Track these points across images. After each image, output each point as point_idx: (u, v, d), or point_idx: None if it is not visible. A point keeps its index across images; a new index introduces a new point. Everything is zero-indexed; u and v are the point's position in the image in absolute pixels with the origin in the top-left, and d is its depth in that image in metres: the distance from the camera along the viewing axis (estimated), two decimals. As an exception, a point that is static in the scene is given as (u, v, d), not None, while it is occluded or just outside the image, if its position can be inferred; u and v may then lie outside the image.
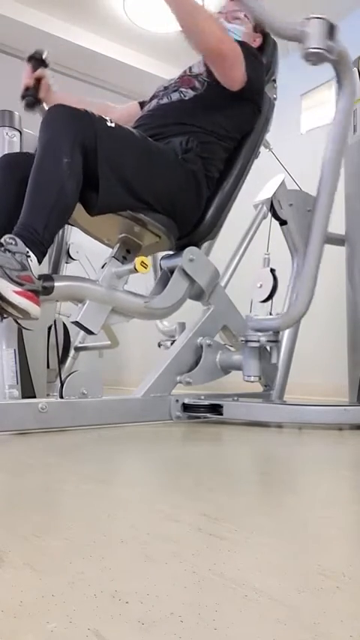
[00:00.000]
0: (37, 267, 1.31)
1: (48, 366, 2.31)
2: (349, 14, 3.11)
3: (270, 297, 1.95)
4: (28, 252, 1.28)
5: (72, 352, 3.12)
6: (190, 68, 1.83)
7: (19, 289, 1.24)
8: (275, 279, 1.96)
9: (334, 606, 0.37)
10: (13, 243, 1.26)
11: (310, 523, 0.58)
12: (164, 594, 0.39)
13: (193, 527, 0.55)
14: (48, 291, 1.39)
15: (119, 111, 1.94)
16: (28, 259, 1.27)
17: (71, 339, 3.08)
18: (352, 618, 0.35)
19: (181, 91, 1.76)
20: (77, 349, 3.14)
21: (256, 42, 1.88)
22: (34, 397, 2.02)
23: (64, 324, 2.88)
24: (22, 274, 1.25)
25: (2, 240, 1.26)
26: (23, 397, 1.91)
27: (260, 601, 0.38)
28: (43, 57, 1.81)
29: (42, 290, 1.35)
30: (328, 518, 0.60)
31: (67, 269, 2.98)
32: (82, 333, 3.12)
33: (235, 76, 1.68)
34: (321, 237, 1.77)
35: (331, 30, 1.52)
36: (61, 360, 2.74)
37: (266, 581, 0.41)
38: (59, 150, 1.37)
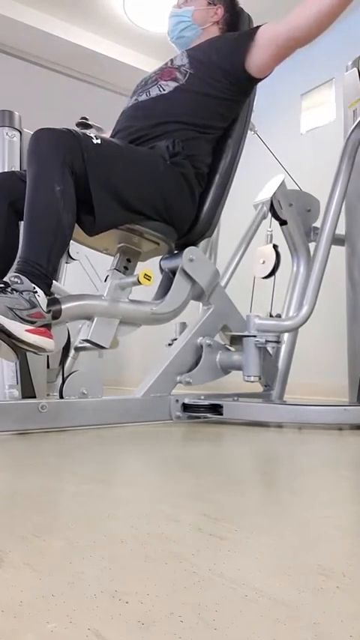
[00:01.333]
0: (45, 301, 1.31)
1: (48, 366, 2.31)
2: (349, 14, 3.11)
3: (272, 273, 1.95)
4: (34, 288, 1.27)
5: (72, 352, 3.11)
6: (171, 60, 1.80)
7: (31, 327, 1.24)
8: (278, 255, 1.95)
9: (334, 606, 0.37)
10: (19, 281, 1.26)
11: (310, 523, 0.58)
12: (164, 594, 0.39)
13: (193, 527, 0.55)
14: (56, 315, 1.40)
15: None
16: (36, 295, 1.27)
17: (71, 339, 3.08)
18: (352, 618, 0.35)
19: (160, 85, 1.72)
20: (77, 349, 3.13)
21: (217, 14, 1.84)
22: (34, 397, 2.02)
23: (64, 324, 2.88)
24: (32, 312, 1.25)
25: (7, 279, 1.25)
26: (23, 397, 1.91)
27: (260, 601, 0.38)
28: (89, 122, 1.93)
29: (51, 318, 1.35)
30: (328, 518, 0.60)
31: (68, 269, 2.98)
32: (81, 332, 3.13)
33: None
34: (329, 239, 1.77)
35: None
36: (61, 360, 2.73)
37: (266, 581, 0.41)
38: (50, 178, 1.35)
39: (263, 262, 1.86)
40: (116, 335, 1.58)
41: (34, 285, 1.27)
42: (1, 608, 0.36)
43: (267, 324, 1.75)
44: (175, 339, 1.83)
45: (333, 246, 2.12)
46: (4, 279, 1.26)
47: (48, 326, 1.31)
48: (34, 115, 2.13)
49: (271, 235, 1.98)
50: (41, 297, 1.28)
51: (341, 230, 2.13)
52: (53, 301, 1.40)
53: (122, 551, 0.48)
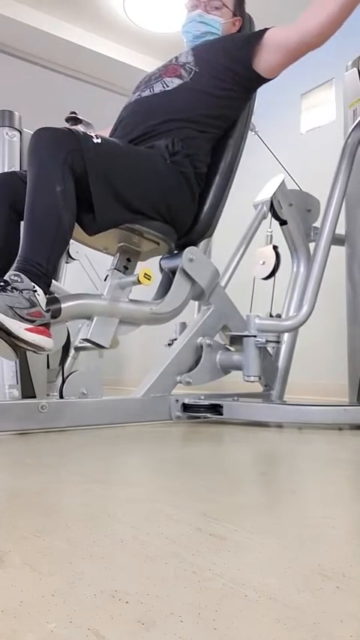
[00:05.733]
0: (44, 300, 1.31)
1: (48, 366, 2.31)
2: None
3: (272, 274, 1.95)
4: (34, 287, 1.28)
5: (72, 352, 3.11)
6: (176, 57, 1.80)
7: (30, 326, 1.25)
8: (278, 256, 1.96)
9: (334, 606, 0.37)
10: (19, 280, 1.26)
11: (310, 523, 0.58)
12: (164, 594, 0.39)
13: (193, 527, 0.55)
14: (55, 314, 1.40)
15: None
16: (35, 294, 1.28)
17: (71, 339, 3.08)
18: (352, 618, 0.35)
19: (164, 81, 1.72)
20: (77, 349, 3.13)
21: (235, 25, 1.87)
22: (34, 397, 2.02)
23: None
24: (31, 311, 1.25)
25: (7, 278, 1.26)
26: (23, 397, 1.91)
27: (260, 601, 0.38)
28: (78, 116, 1.96)
29: (50, 317, 1.35)
30: (328, 518, 0.60)
31: (68, 269, 2.98)
32: (81, 332, 3.13)
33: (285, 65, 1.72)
34: (329, 239, 1.77)
35: None
36: (61, 360, 2.73)
37: (266, 581, 0.41)
38: (50, 178, 1.35)
39: (263, 263, 1.86)
40: (116, 334, 1.58)
41: (33, 284, 1.28)
42: (1, 608, 0.36)
43: (267, 324, 1.75)
44: (175, 339, 1.83)
45: (333, 246, 2.12)
46: (5, 278, 1.27)
47: (47, 325, 1.31)
48: (34, 115, 2.13)
49: (271, 236, 1.98)
50: (41, 297, 1.29)
51: (341, 230, 2.13)
52: (53, 300, 1.40)
53: (122, 551, 0.48)
